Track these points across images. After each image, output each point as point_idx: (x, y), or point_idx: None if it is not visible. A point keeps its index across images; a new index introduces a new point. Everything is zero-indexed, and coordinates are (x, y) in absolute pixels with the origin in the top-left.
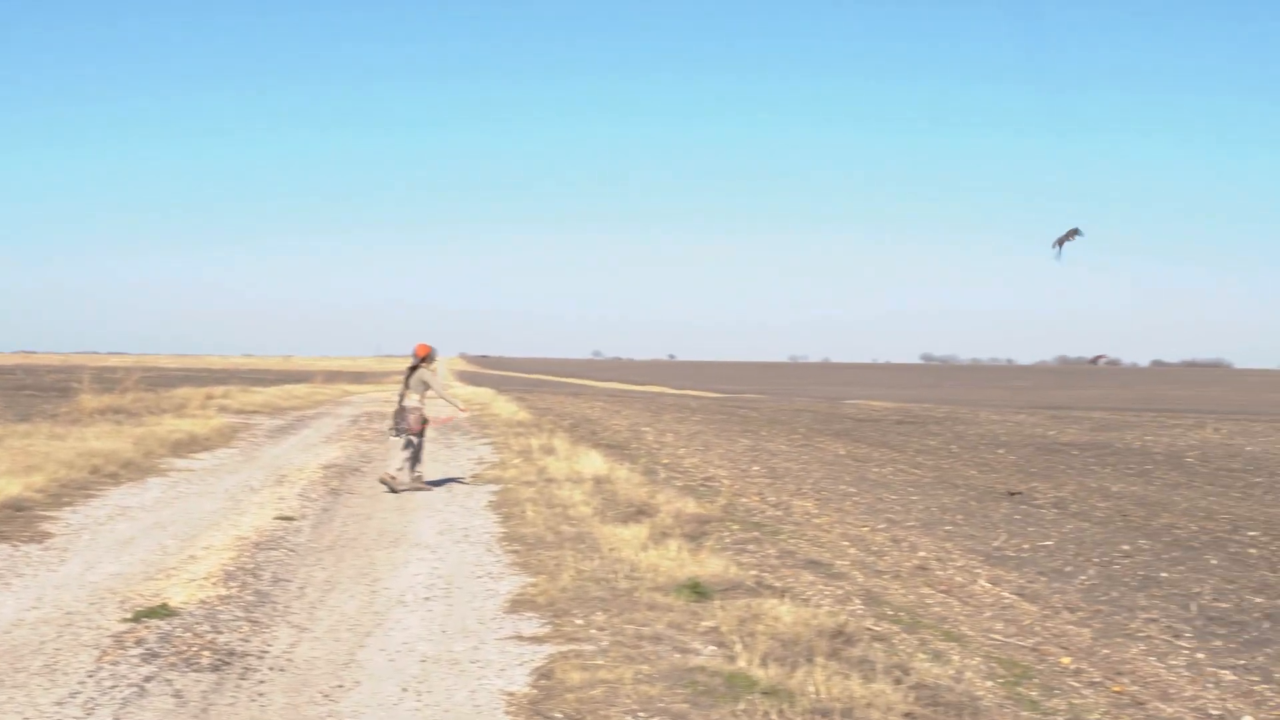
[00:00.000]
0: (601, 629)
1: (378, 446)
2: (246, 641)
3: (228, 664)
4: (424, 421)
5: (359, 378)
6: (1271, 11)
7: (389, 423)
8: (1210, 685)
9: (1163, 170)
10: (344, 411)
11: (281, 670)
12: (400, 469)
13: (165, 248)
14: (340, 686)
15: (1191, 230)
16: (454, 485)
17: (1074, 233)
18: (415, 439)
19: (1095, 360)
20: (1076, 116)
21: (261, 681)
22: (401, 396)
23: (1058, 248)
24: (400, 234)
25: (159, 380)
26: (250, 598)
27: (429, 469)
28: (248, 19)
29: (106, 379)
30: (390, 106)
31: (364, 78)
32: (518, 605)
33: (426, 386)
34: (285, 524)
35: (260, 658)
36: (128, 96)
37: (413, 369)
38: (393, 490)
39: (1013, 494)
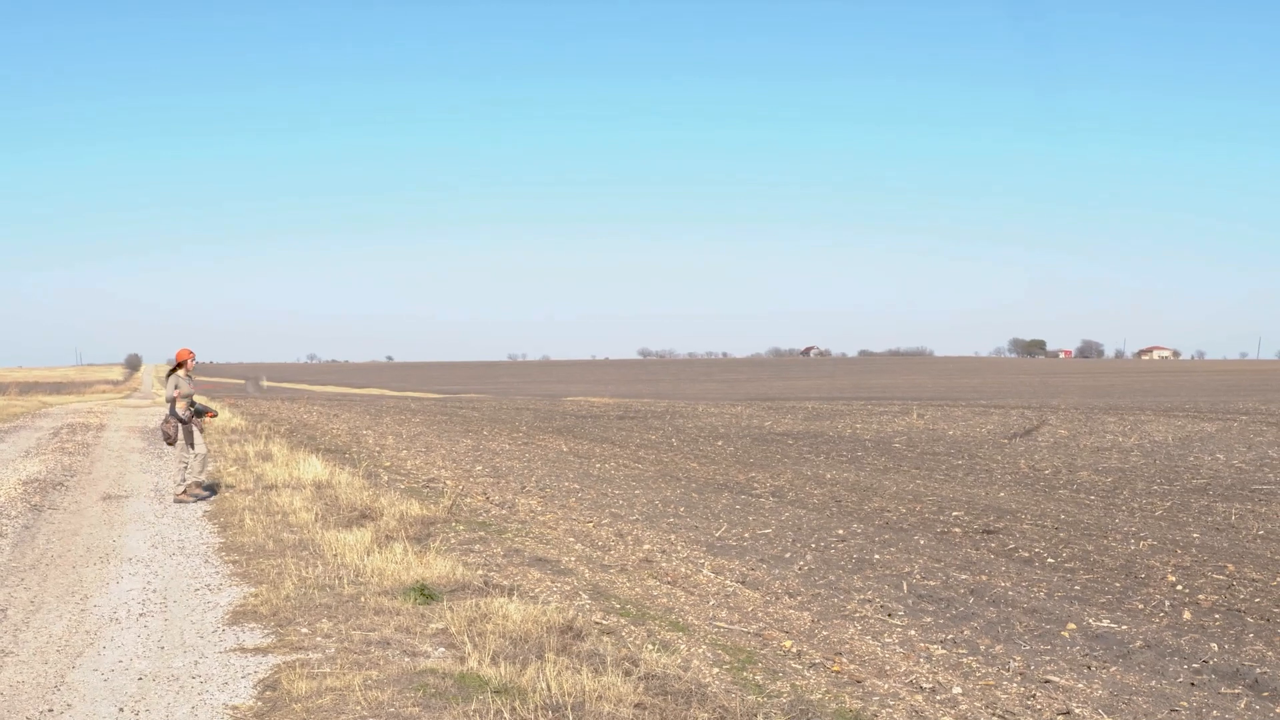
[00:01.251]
0: (327, 636)
1: (81, 459)
2: None
3: None
4: (178, 426)
5: (58, 388)
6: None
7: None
8: (922, 660)
9: (853, 164)
10: (43, 424)
11: None
12: (183, 481)
13: None
14: (50, 711)
15: (889, 224)
16: (166, 496)
17: None
18: (178, 445)
19: (807, 351)
20: (750, 108)
21: None
22: (171, 404)
23: None
24: (97, 235)
25: None
26: None
27: (138, 480)
28: None
29: None
30: (69, 112)
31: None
32: (239, 616)
33: (179, 391)
34: None
35: None
36: None
37: (170, 374)
38: (190, 501)
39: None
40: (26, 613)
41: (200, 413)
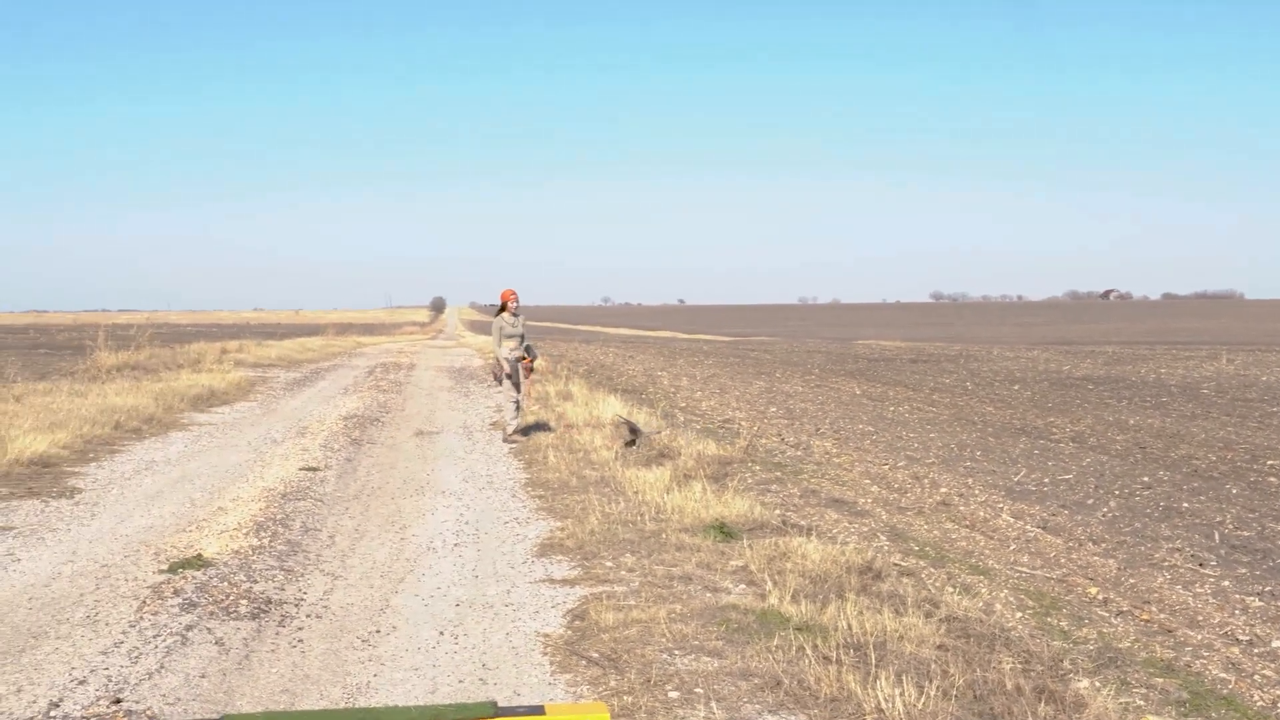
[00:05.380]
0: (631, 570)
1: (395, 397)
2: (282, 590)
3: (265, 612)
4: (503, 369)
5: (370, 329)
6: None
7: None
8: (1238, 611)
9: (1163, 105)
10: (358, 363)
11: (318, 617)
12: (515, 420)
13: (171, 205)
14: (378, 631)
15: (1199, 163)
16: (474, 433)
17: None
18: (506, 386)
19: (1106, 295)
20: (1067, 54)
21: (300, 629)
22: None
23: None
24: (406, 186)
25: (172, 336)
26: (282, 547)
27: (447, 417)
28: None
29: (120, 336)
30: (385, 61)
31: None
32: (547, 549)
33: (502, 333)
34: (310, 474)
35: (297, 605)
36: (124, 54)
37: (497, 315)
38: (517, 441)
39: None
40: (352, 540)
41: (530, 352)
